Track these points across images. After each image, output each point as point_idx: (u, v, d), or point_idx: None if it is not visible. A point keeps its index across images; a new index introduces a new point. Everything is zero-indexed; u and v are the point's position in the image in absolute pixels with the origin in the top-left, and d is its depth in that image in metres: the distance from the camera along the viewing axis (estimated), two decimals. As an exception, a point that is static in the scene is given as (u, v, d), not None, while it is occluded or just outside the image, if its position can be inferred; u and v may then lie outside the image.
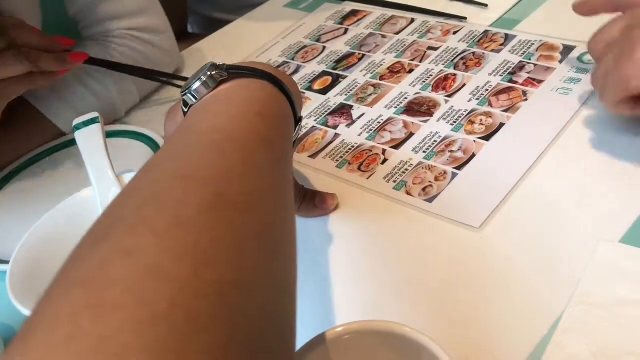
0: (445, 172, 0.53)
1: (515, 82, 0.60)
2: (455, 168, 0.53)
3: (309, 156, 0.59)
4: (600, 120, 0.53)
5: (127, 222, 0.25)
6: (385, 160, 0.56)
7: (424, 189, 0.52)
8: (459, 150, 0.54)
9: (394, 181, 0.54)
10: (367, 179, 0.55)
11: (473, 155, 0.53)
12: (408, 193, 0.52)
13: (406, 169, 0.54)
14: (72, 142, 0.61)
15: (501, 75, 0.62)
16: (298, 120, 0.43)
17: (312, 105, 0.66)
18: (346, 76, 0.69)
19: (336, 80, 0.69)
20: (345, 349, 0.33)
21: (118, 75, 0.69)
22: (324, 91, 0.68)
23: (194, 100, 0.38)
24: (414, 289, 0.44)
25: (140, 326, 0.20)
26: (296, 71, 0.73)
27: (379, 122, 0.61)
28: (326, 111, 0.65)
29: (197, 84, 0.38)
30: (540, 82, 0.60)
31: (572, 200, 0.47)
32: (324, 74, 0.71)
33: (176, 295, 0.21)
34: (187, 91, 0.39)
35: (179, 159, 0.30)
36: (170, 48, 0.76)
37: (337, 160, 0.57)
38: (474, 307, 0.42)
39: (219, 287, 0.23)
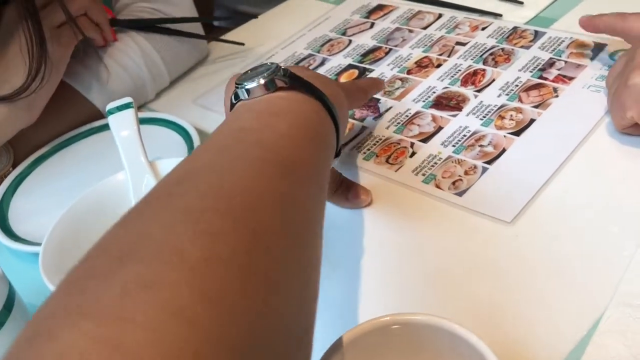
0: (475, 167, 0.51)
1: (546, 79, 0.59)
2: (486, 162, 0.51)
3: (335, 148, 0.58)
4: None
5: (156, 244, 0.22)
6: (413, 154, 0.54)
7: (453, 183, 0.50)
8: (489, 144, 0.53)
9: (423, 174, 0.52)
10: (396, 171, 0.53)
11: (503, 150, 0.52)
12: (437, 186, 0.50)
13: (435, 162, 0.52)
14: (106, 127, 0.61)
15: (531, 72, 0.60)
16: (338, 152, 0.41)
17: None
18: (373, 70, 0.67)
19: (362, 73, 0.67)
20: (390, 338, 0.31)
21: (149, 56, 0.69)
22: None
23: (247, 97, 0.37)
24: (446, 282, 0.43)
25: None
26: (322, 64, 0.71)
27: (406, 116, 0.59)
28: None
29: (255, 84, 0.36)
30: (571, 79, 0.58)
31: (608, 199, 0.45)
32: (350, 67, 0.69)
33: (201, 346, 0.19)
34: (243, 85, 0.36)
35: (218, 174, 0.27)
36: (194, 27, 0.75)
37: (364, 153, 0.56)
38: (511, 304, 0.40)
39: (247, 342, 0.21)
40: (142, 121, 0.55)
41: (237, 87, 0.37)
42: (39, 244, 0.50)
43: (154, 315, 0.19)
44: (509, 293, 0.41)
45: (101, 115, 0.68)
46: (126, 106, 0.52)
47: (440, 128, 0.56)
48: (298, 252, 0.26)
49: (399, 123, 0.58)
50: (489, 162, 0.51)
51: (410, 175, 0.52)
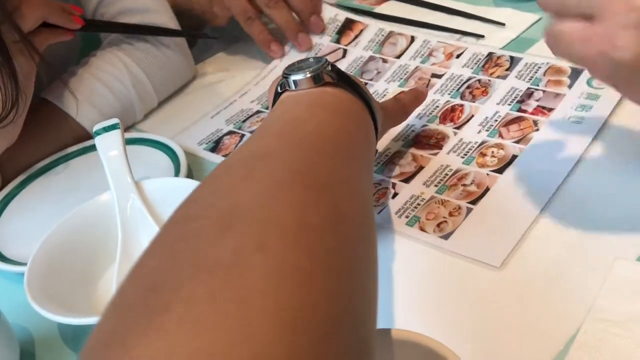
0: (459, 207, 0.49)
1: (525, 111, 0.57)
2: (470, 202, 0.49)
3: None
4: (615, 148, 0.51)
5: (256, 212, 0.24)
6: (395, 195, 0.52)
7: (438, 225, 0.48)
8: (472, 184, 0.51)
9: (406, 216, 0.49)
10: (378, 213, 0.51)
11: (487, 189, 0.50)
12: (422, 229, 0.48)
13: (418, 204, 0.50)
14: (92, 148, 0.61)
15: (509, 104, 0.59)
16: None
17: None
18: (372, 84, 0.66)
19: None
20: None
21: (136, 78, 0.70)
22: None
23: (293, 88, 0.37)
24: (427, 302, 0.43)
25: (280, 317, 0.20)
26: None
27: (386, 155, 0.57)
28: None
29: (302, 76, 0.37)
30: (550, 110, 0.57)
31: (590, 218, 0.45)
32: None
33: (311, 294, 0.21)
34: (290, 76, 0.37)
35: (294, 155, 0.29)
36: (183, 54, 0.75)
37: None
38: (489, 321, 0.41)
39: (345, 293, 0.23)
40: (129, 141, 0.56)
41: (284, 77, 0.37)
42: (24, 264, 0.50)
43: (268, 268, 0.21)
44: (489, 311, 0.41)
45: (88, 136, 0.68)
46: (113, 127, 0.53)
47: (421, 167, 0.55)
48: (368, 228, 0.29)
49: (379, 163, 0.56)
50: (473, 202, 0.49)
51: (393, 217, 0.50)
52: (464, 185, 0.51)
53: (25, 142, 0.63)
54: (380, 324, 0.42)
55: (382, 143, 0.59)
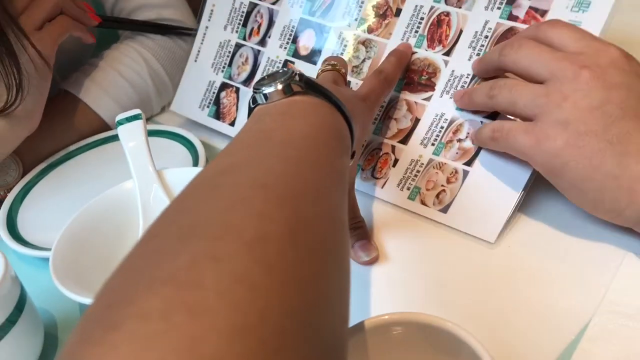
0: (456, 171, 0.51)
1: (517, 18, 0.52)
2: (465, 164, 0.51)
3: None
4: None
5: (215, 226, 0.24)
6: (396, 161, 0.54)
7: (437, 196, 0.51)
8: (466, 138, 0.52)
9: (408, 188, 0.52)
10: (382, 187, 0.53)
11: (480, 149, 0.51)
12: (423, 202, 0.51)
13: (418, 171, 0.52)
14: (114, 138, 0.62)
15: (499, 8, 0.52)
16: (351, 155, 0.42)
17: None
18: (329, 28, 0.60)
19: (320, 35, 0.61)
20: (385, 337, 0.33)
21: (154, 70, 0.71)
22: (310, 57, 0.62)
23: (264, 101, 0.38)
24: (437, 290, 0.45)
25: (231, 333, 0.20)
26: (270, 18, 0.64)
27: (382, 107, 0.56)
28: None
29: (272, 89, 0.38)
30: (544, 13, 0.51)
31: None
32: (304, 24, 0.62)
33: (265, 309, 0.21)
34: (260, 90, 0.38)
35: (259, 168, 0.30)
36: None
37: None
38: (500, 310, 0.42)
39: (302, 306, 0.23)
40: (150, 133, 0.57)
41: (255, 92, 0.38)
42: (47, 249, 0.52)
43: (222, 282, 0.21)
44: (500, 300, 0.42)
45: (107, 127, 0.69)
46: (135, 117, 0.54)
47: (417, 120, 0.54)
48: (337, 234, 0.29)
49: (375, 120, 0.56)
50: (469, 163, 0.51)
51: (396, 191, 0.52)
52: (459, 140, 0.52)
53: (44, 131, 0.64)
54: (396, 308, 0.44)
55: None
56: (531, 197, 0.49)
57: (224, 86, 0.67)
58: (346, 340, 0.27)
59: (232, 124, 0.66)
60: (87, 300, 0.44)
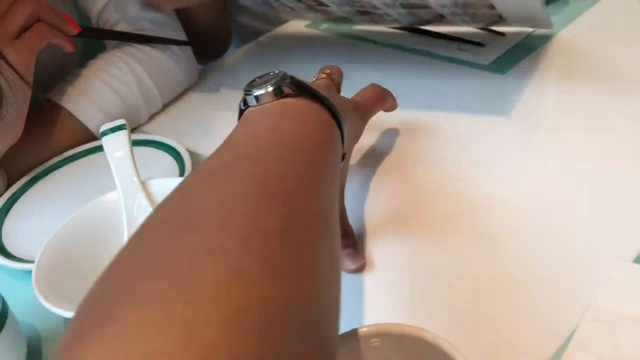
0: None
1: None
2: None
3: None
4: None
5: (211, 219, 0.25)
6: None
7: None
8: None
9: None
10: None
11: None
12: None
13: None
14: (99, 148, 0.62)
15: None
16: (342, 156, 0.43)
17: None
18: None
19: None
20: (364, 348, 0.32)
21: (141, 79, 0.70)
22: None
23: (255, 103, 0.38)
24: (424, 299, 0.44)
25: (227, 322, 0.20)
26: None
27: None
28: None
29: (263, 91, 0.38)
30: None
31: (587, 216, 0.47)
32: None
33: (260, 299, 0.21)
34: (251, 92, 0.38)
35: (254, 164, 0.30)
36: (186, 58, 0.76)
37: None
38: (486, 317, 0.41)
39: (296, 297, 0.23)
40: (134, 143, 0.56)
41: (246, 94, 0.39)
42: (31, 262, 0.51)
43: (218, 273, 0.22)
44: (487, 307, 0.42)
45: (93, 137, 0.69)
46: (119, 127, 0.54)
47: None
48: (330, 233, 0.30)
49: None
50: None
51: None
52: None
53: (29, 142, 0.63)
54: (382, 318, 0.44)
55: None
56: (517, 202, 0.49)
57: None
58: (337, 336, 0.27)
59: None
60: (70, 314, 0.43)
